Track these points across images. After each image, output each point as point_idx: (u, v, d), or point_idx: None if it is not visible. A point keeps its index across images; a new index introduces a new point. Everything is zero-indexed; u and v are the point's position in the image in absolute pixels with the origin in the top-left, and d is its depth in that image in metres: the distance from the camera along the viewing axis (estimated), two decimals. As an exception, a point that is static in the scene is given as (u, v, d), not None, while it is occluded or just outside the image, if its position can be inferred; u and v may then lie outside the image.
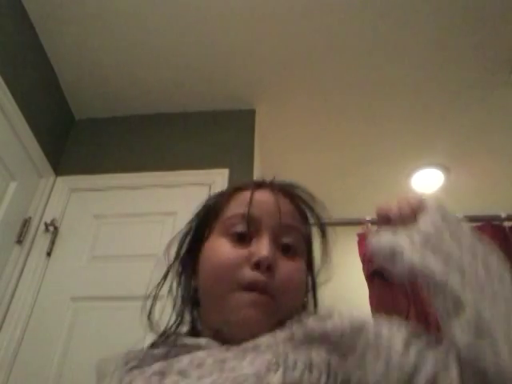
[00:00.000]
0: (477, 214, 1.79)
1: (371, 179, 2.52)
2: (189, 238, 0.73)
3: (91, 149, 2.07)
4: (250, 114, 2.13)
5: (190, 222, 0.75)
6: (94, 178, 1.93)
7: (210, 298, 0.65)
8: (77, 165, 2.00)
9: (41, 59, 1.92)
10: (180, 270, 0.74)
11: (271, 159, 2.38)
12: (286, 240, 0.66)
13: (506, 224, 1.72)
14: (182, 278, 0.73)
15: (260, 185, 0.74)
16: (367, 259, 1.69)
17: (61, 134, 2.07)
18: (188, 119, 2.13)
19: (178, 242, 0.74)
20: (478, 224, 1.74)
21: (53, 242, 1.73)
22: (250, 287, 0.61)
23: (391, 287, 1.57)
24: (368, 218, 1.80)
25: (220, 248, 0.65)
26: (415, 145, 2.33)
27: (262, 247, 0.62)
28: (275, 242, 0.65)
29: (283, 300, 0.63)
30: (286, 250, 0.66)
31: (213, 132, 2.07)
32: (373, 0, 1.75)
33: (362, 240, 1.76)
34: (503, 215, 1.73)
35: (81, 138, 2.12)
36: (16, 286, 1.62)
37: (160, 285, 0.75)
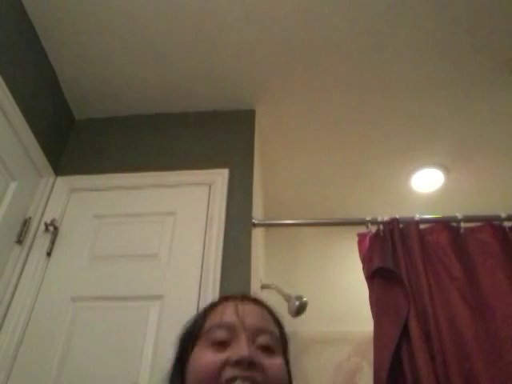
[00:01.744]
0: (477, 214, 1.79)
1: (371, 179, 2.52)
2: (175, 358, 0.78)
3: (91, 149, 2.07)
4: (250, 114, 2.13)
5: (175, 344, 0.81)
6: (93, 178, 1.93)
7: None
8: (77, 165, 2.00)
9: (41, 59, 1.92)
10: None
11: (271, 159, 2.38)
12: (262, 340, 0.72)
13: (506, 224, 1.72)
14: None
15: (232, 297, 0.81)
16: (367, 259, 1.69)
17: (61, 134, 2.07)
18: (188, 119, 2.13)
19: (169, 367, 0.79)
20: (478, 224, 1.74)
21: (53, 242, 1.73)
22: (232, 381, 0.66)
23: (391, 287, 1.57)
24: (368, 218, 1.80)
25: (202, 357, 0.71)
26: (415, 145, 2.33)
27: (241, 347, 0.69)
28: (253, 343, 0.71)
29: None
30: (265, 349, 0.72)
31: (213, 132, 2.07)
32: (373, 0, 1.76)
33: (362, 240, 1.76)
34: (503, 215, 1.73)
35: (81, 138, 2.12)
36: (16, 286, 1.62)
37: None
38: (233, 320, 0.74)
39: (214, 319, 0.76)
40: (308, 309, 2.04)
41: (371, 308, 1.59)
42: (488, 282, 1.55)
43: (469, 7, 1.75)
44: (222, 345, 0.71)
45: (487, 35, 1.83)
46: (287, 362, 0.78)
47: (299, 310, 2.01)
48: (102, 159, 2.02)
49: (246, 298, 0.82)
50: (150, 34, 1.87)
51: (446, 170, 2.44)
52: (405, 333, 1.45)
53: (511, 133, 2.23)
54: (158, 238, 1.72)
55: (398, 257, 1.64)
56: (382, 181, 2.53)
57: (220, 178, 1.86)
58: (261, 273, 2.14)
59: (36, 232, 1.75)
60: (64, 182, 1.92)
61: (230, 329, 0.73)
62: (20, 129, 1.71)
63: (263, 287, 2.06)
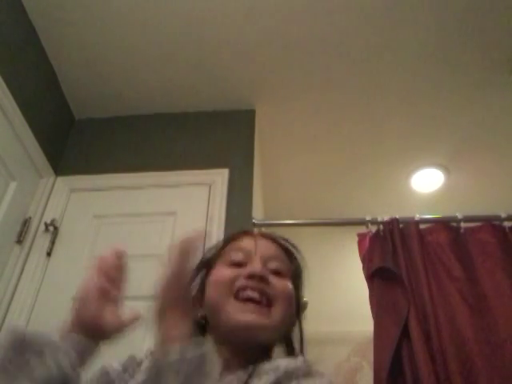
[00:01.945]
0: (477, 214, 1.79)
1: (371, 179, 2.52)
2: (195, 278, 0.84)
3: (91, 149, 2.07)
4: (250, 114, 2.13)
5: (195, 266, 0.85)
6: (93, 178, 1.93)
7: (215, 307, 0.75)
8: (77, 165, 2.00)
9: (41, 59, 1.92)
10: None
11: (271, 159, 2.38)
12: (274, 266, 0.80)
13: (506, 224, 1.72)
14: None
15: (251, 233, 0.89)
16: (367, 259, 1.69)
17: (61, 134, 2.07)
18: (188, 119, 2.13)
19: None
20: (478, 224, 1.74)
21: (53, 242, 1.73)
22: (243, 290, 0.74)
23: (391, 287, 1.57)
24: (368, 218, 1.80)
25: (220, 271, 0.79)
26: (415, 145, 2.33)
27: (255, 265, 0.77)
28: (265, 266, 0.79)
29: (280, 306, 0.75)
30: (276, 273, 0.79)
31: (213, 132, 2.07)
32: (373, 0, 1.76)
33: (362, 240, 1.76)
34: (503, 215, 1.73)
35: (81, 138, 2.12)
36: (16, 286, 1.62)
37: None
38: (250, 246, 0.81)
39: (232, 244, 0.84)
40: (308, 309, 2.04)
41: (371, 308, 1.59)
42: (488, 282, 1.55)
43: (469, 7, 1.75)
44: (237, 265, 0.79)
45: (487, 35, 1.83)
46: (297, 289, 0.84)
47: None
48: (101, 159, 2.02)
49: (264, 233, 0.89)
50: (150, 34, 1.87)
51: (446, 170, 2.44)
52: (405, 333, 1.45)
53: (511, 133, 2.23)
54: (158, 238, 1.72)
55: (398, 257, 1.64)
56: (382, 181, 2.53)
57: (220, 177, 1.86)
58: (261, 273, 2.13)
59: (36, 232, 1.75)
60: (64, 182, 1.92)
61: (246, 252, 0.80)
62: (20, 129, 1.71)
63: (263, 287, 2.06)
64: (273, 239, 0.87)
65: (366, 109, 2.15)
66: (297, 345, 0.85)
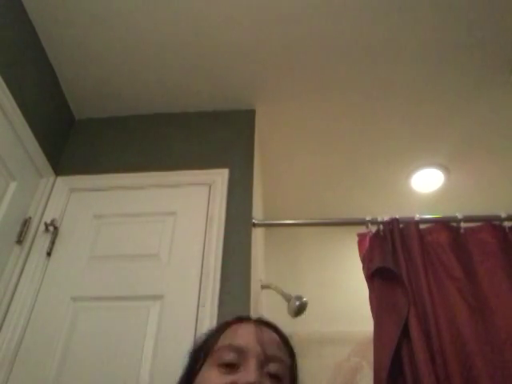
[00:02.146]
0: (477, 214, 1.79)
1: (371, 179, 2.52)
2: (184, 372, 0.78)
3: (91, 149, 2.07)
4: (250, 114, 2.13)
5: (185, 357, 0.80)
6: (93, 178, 1.93)
7: None
8: (77, 165, 2.00)
9: (41, 59, 1.92)
10: None
11: (271, 159, 2.39)
12: (272, 369, 0.71)
13: (506, 224, 1.72)
14: None
15: (245, 319, 0.80)
16: (367, 259, 1.69)
17: (61, 134, 2.07)
18: (188, 119, 2.13)
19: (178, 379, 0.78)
20: (478, 224, 1.74)
21: (53, 242, 1.73)
22: None
23: (391, 287, 1.57)
24: (368, 218, 1.80)
25: (209, 376, 0.70)
26: (415, 145, 2.33)
27: (249, 373, 0.67)
28: (262, 370, 0.69)
29: None
30: (273, 378, 0.70)
31: (213, 132, 2.07)
32: (373, 0, 1.76)
33: (362, 240, 1.76)
34: (503, 215, 1.73)
35: (81, 138, 2.12)
36: (16, 286, 1.62)
37: None
38: (244, 343, 0.73)
39: (225, 340, 0.75)
40: (308, 309, 2.04)
41: (371, 308, 1.59)
42: (488, 281, 1.55)
43: (469, 7, 1.75)
44: (230, 367, 0.70)
45: (487, 35, 1.83)
46: None
47: (299, 310, 2.01)
48: (102, 159, 2.02)
49: (261, 321, 0.80)
50: (150, 34, 1.87)
51: (446, 169, 2.44)
52: (405, 333, 1.45)
53: (511, 133, 2.23)
54: (158, 237, 1.72)
55: (397, 257, 1.64)
56: (382, 181, 2.53)
57: (220, 177, 1.86)
58: (261, 273, 2.14)
59: (36, 232, 1.75)
60: (64, 182, 1.92)
61: (240, 352, 0.71)
62: (20, 129, 1.71)
63: (263, 287, 2.06)
64: (271, 327, 0.79)
65: (366, 109, 2.15)
66: None
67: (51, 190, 1.89)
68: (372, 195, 2.60)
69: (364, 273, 1.67)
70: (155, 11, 1.80)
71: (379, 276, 1.60)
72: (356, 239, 1.79)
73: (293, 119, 2.21)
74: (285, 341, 0.79)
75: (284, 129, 2.26)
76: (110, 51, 1.93)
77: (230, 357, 0.71)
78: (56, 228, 1.76)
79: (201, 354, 0.76)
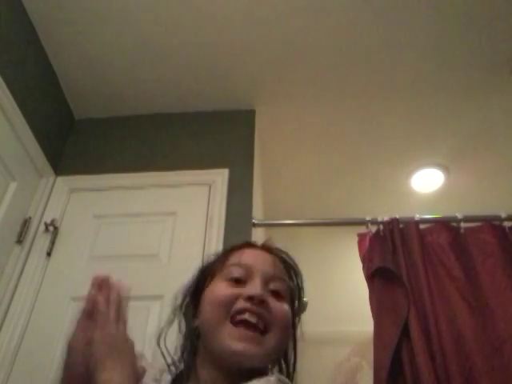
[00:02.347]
0: (477, 214, 1.79)
1: (371, 179, 2.52)
2: (192, 287, 0.85)
3: (91, 149, 2.07)
4: (250, 114, 2.13)
5: (194, 275, 0.86)
6: (93, 178, 1.93)
7: (209, 328, 0.74)
8: (77, 165, 2.00)
9: (41, 59, 1.92)
10: (184, 311, 0.84)
11: (271, 159, 2.38)
12: (274, 286, 0.78)
13: (506, 224, 1.72)
14: (186, 318, 0.83)
15: (253, 245, 0.87)
16: (367, 259, 1.69)
17: (61, 133, 2.07)
18: (188, 119, 2.13)
19: (183, 291, 0.85)
20: (478, 224, 1.74)
21: (53, 242, 1.73)
22: (241, 313, 0.72)
23: (391, 287, 1.57)
24: (368, 218, 1.80)
25: (218, 288, 0.77)
26: (415, 145, 2.33)
27: (256, 286, 0.75)
28: (266, 286, 0.77)
29: (276, 333, 0.73)
30: (275, 295, 0.77)
31: (213, 132, 2.07)
32: (373, 0, 1.76)
33: (362, 240, 1.76)
34: (503, 215, 1.73)
35: (81, 138, 2.12)
36: (16, 286, 1.62)
37: (167, 326, 0.86)
38: (251, 262, 0.79)
39: (233, 259, 0.81)
40: (308, 309, 2.04)
41: (371, 308, 1.59)
42: (488, 281, 1.55)
43: (469, 7, 1.75)
44: (237, 282, 0.77)
45: (487, 35, 1.83)
46: (293, 310, 0.83)
47: (299, 310, 2.00)
48: (101, 159, 2.02)
49: (266, 246, 0.87)
50: (150, 34, 1.87)
51: (446, 169, 2.44)
52: (405, 333, 1.45)
53: (511, 133, 2.23)
54: (157, 238, 1.72)
55: (398, 257, 1.64)
56: (382, 181, 2.53)
57: (220, 177, 1.86)
58: (261, 273, 2.13)
59: (36, 232, 1.75)
60: (64, 182, 1.92)
61: (247, 269, 0.78)
62: (20, 129, 1.71)
63: (263, 287, 2.06)
64: (275, 253, 0.85)
65: (367, 109, 2.15)
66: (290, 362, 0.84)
67: (51, 190, 1.89)
68: (372, 195, 2.60)
69: (364, 273, 1.67)
70: (155, 11, 1.80)
71: (379, 276, 1.60)
72: (356, 239, 1.79)
73: (293, 119, 2.21)
74: (288, 264, 0.86)
75: (284, 129, 2.26)
76: (110, 51, 1.93)
77: (238, 272, 0.77)
78: (56, 228, 1.76)
79: (209, 271, 0.82)
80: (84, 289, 1.76)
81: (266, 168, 2.39)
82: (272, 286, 0.78)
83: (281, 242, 2.79)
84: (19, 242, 1.68)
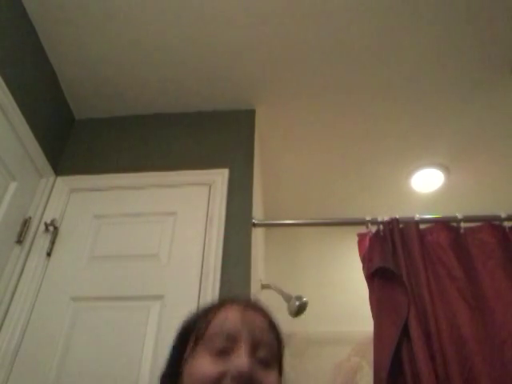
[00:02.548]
0: (477, 214, 1.79)
1: (371, 179, 2.52)
2: (171, 357, 0.78)
3: (91, 149, 2.07)
4: (250, 114, 2.13)
5: (172, 343, 0.80)
6: (93, 178, 1.93)
7: None
8: (77, 165, 2.00)
9: (41, 59, 1.92)
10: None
11: (271, 159, 2.39)
12: (262, 354, 0.72)
13: (506, 224, 1.72)
14: None
15: (234, 302, 0.80)
16: (367, 259, 1.69)
17: (61, 133, 2.07)
18: (188, 119, 2.13)
19: (164, 364, 0.79)
20: (478, 224, 1.74)
21: (53, 242, 1.73)
22: None
23: (391, 287, 1.57)
24: (368, 218, 1.80)
25: (201, 364, 0.70)
26: (415, 145, 2.33)
27: (242, 360, 0.68)
28: (253, 354, 0.70)
29: None
30: (263, 363, 0.71)
31: (213, 132, 2.07)
32: (373, 1, 1.75)
33: (362, 240, 1.76)
34: (503, 215, 1.73)
35: (81, 138, 2.12)
36: (16, 286, 1.62)
37: None
38: (234, 329, 0.73)
39: (215, 326, 0.74)
40: (308, 309, 2.05)
41: (371, 308, 1.59)
42: (488, 281, 1.55)
43: (469, 7, 1.75)
44: (221, 353, 0.70)
45: (487, 35, 1.83)
46: (281, 371, 0.78)
47: (299, 310, 2.01)
48: (102, 159, 2.02)
49: (249, 304, 0.81)
50: (150, 34, 1.87)
51: (446, 169, 2.44)
52: (405, 333, 1.45)
53: (511, 133, 2.23)
54: (158, 237, 1.72)
55: (398, 257, 1.64)
56: (382, 181, 2.53)
57: (220, 177, 1.86)
58: (261, 273, 2.14)
59: (36, 232, 1.75)
60: (64, 182, 1.92)
61: (231, 338, 0.72)
62: (20, 129, 1.71)
63: (263, 287, 2.06)
64: (258, 309, 0.79)
65: (366, 109, 2.15)
66: None
67: (51, 190, 1.89)
68: (372, 195, 2.60)
69: (364, 273, 1.67)
70: (155, 11, 1.80)
71: (379, 276, 1.60)
72: (356, 239, 1.79)
73: (293, 119, 2.21)
74: (272, 324, 0.79)
75: (284, 129, 2.26)
76: (110, 51, 1.93)
77: (221, 343, 0.71)
78: (56, 228, 1.76)
79: (189, 339, 0.76)
80: (84, 289, 1.77)
81: (266, 168, 2.39)
82: (260, 353, 0.72)
83: (281, 242, 2.81)
84: (19, 241, 1.68)
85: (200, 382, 0.68)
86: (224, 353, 0.70)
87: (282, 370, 0.78)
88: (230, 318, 0.75)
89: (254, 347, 0.72)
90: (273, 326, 0.79)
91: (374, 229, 1.77)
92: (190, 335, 0.77)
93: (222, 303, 0.80)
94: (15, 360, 1.48)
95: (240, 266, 1.64)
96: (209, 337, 0.73)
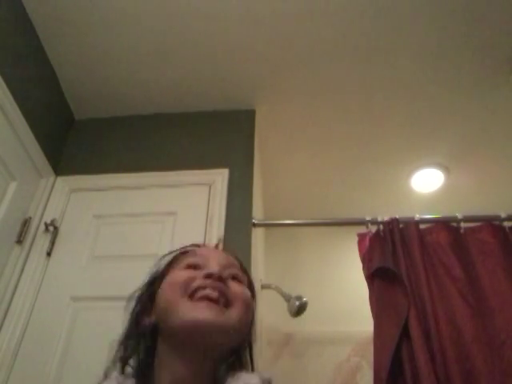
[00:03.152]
0: (477, 214, 1.79)
1: (371, 179, 2.52)
2: (147, 285, 0.84)
3: (91, 149, 2.07)
4: (250, 114, 2.12)
5: (146, 277, 0.86)
6: (93, 178, 1.93)
7: (169, 308, 0.70)
8: (77, 165, 2.00)
9: (41, 59, 1.92)
10: (137, 309, 0.81)
11: (271, 159, 2.39)
12: (231, 271, 0.77)
13: (506, 224, 1.72)
14: (137, 314, 0.80)
15: (205, 244, 0.90)
16: (367, 259, 1.69)
17: (61, 133, 2.07)
18: (188, 119, 2.13)
19: (139, 290, 0.85)
20: (478, 224, 1.74)
21: (53, 242, 1.73)
22: (201, 289, 0.70)
23: (391, 287, 1.57)
24: (368, 218, 1.80)
25: (175, 273, 0.75)
26: (415, 145, 2.33)
27: (213, 267, 0.74)
28: (223, 271, 0.74)
29: (238, 309, 0.71)
30: (233, 279, 0.76)
31: (213, 132, 2.07)
32: (373, 1, 1.75)
33: (362, 240, 1.76)
34: (503, 215, 1.73)
35: (81, 138, 2.12)
36: (16, 286, 1.62)
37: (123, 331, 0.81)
38: (206, 253, 0.79)
39: (188, 251, 0.81)
40: (308, 309, 2.05)
41: (371, 308, 1.59)
42: (488, 281, 1.55)
43: (469, 7, 1.75)
44: (194, 267, 0.75)
45: (487, 35, 1.83)
46: (253, 295, 0.82)
47: (299, 309, 2.01)
48: (101, 159, 2.02)
49: (218, 246, 0.89)
50: (150, 34, 1.87)
51: (446, 169, 2.44)
52: (405, 333, 1.45)
53: (511, 133, 2.23)
54: (158, 238, 1.72)
55: (398, 257, 1.64)
56: (382, 181, 2.53)
57: (220, 177, 1.86)
58: (261, 273, 2.14)
59: (36, 232, 1.75)
60: (64, 182, 1.92)
61: (203, 258, 0.77)
62: (20, 129, 1.71)
63: (263, 287, 2.06)
64: (227, 252, 0.84)
65: (366, 109, 2.15)
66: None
67: (51, 190, 1.89)
68: (372, 195, 2.60)
69: (364, 273, 1.68)
70: (155, 11, 1.80)
71: (379, 276, 1.60)
72: (356, 239, 1.79)
73: (293, 119, 2.21)
74: (240, 262, 0.85)
75: (284, 129, 2.26)
76: (110, 51, 1.93)
77: (194, 260, 0.76)
78: (56, 228, 1.76)
79: (163, 271, 0.80)
80: (84, 289, 1.76)
81: (266, 168, 2.39)
82: (229, 271, 0.76)
83: (281, 242, 2.81)
84: (19, 242, 1.68)
85: (174, 283, 0.72)
86: (195, 267, 0.75)
87: (255, 296, 0.82)
88: (202, 249, 0.83)
89: (224, 267, 0.76)
90: (241, 264, 0.84)
91: (373, 229, 1.77)
92: (162, 271, 0.81)
93: (191, 244, 0.86)
94: (15, 360, 1.48)
95: (240, 266, 1.64)
96: (181, 259, 0.79)
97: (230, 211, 1.78)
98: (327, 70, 2.00)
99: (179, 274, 0.74)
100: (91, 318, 1.55)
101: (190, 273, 0.73)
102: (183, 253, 0.82)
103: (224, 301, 0.70)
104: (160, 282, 0.78)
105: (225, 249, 0.88)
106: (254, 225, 1.80)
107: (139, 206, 1.82)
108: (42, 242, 1.73)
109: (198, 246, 0.85)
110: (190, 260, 0.77)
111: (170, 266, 0.80)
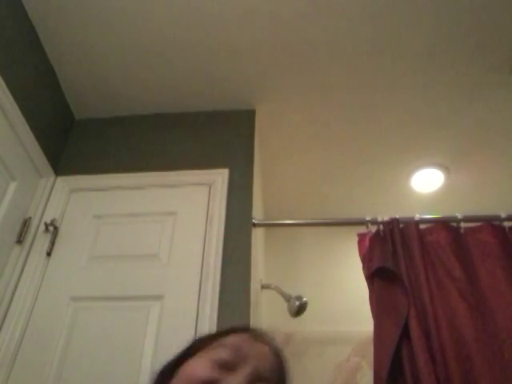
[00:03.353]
0: (477, 214, 1.79)
1: (371, 179, 2.52)
2: (171, 360, 0.73)
3: (91, 149, 2.07)
4: (250, 114, 2.13)
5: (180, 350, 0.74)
6: (93, 178, 1.93)
7: None
8: (77, 165, 2.00)
9: (41, 59, 1.92)
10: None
11: (271, 159, 2.39)
12: None
13: (506, 224, 1.72)
14: None
15: (254, 332, 0.74)
16: (367, 259, 1.69)
17: (61, 133, 2.07)
18: (188, 119, 2.13)
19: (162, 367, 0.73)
20: (478, 224, 1.74)
21: (53, 242, 1.73)
22: None
23: (391, 287, 1.57)
24: (368, 218, 1.80)
25: (197, 364, 0.64)
26: (415, 145, 2.33)
27: (238, 381, 0.61)
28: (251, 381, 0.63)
29: None
30: None
31: (213, 132, 2.07)
32: (372, 1, 1.76)
33: (362, 240, 1.76)
34: (503, 215, 1.73)
35: (81, 138, 2.12)
36: (16, 286, 1.62)
37: None
38: (243, 350, 0.67)
39: (223, 340, 0.69)
40: (308, 309, 2.05)
41: (371, 308, 1.59)
42: (488, 281, 1.56)
43: (469, 7, 1.75)
44: (221, 365, 0.64)
45: (487, 35, 1.83)
46: None
47: (299, 309, 2.01)
48: (101, 159, 2.02)
49: (258, 335, 0.75)
50: (150, 34, 1.87)
51: (446, 169, 2.44)
52: (405, 333, 1.45)
53: (511, 133, 2.23)
54: (158, 237, 1.72)
55: (398, 257, 1.64)
56: (382, 181, 2.53)
57: (220, 177, 1.86)
58: (261, 273, 2.14)
59: (36, 232, 1.75)
60: (64, 182, 1.92)
61: (238, 356, 0.65)
62: (20, 129, 1.71)
63: (263, 287, 2.06)
64: (267, 344, 0.72)
65: (366, 109, 2.15)
66: None
67: (51, 190, 1.89)
68: (372, 195, 2.60)
69: (364, 273, 1.68)
70: (155, 11, 1.80)
71: (379, 276, 1.60)
72: (356, 239, 1.79)
73: (293, 119, 2.21)
74: (279, 360, 0.73)
75: (284, 129, 2.26)
76: (110, 51, 1.93)
77: (225, 355, 0.64)
78: (56, 228, 1.76)
79: (196, 348, 0.70)
80: (84, 289, 1.77)
81: (266, 168, 2.39)
82: None
83: (281, 242, 2.81)
84: (19, 242, 1.68)
85: (188, 378, 0.63)
86: (223, 366, 0.64)
87: None
88: (240, 340, 0.69)
89: (255, 379, 0.64)
90: (279, 362, 0.72)
91: (373, 229, 1.77)
92: (196, 347, 0.71)
93: (231, 330, 0.74)
94: (15, 360, 1.48)
95: (240, 266, 1.64)
96: (214, 347, 0.68)
97: (230, 211, 1.78)
98: (327, 70, 2.00)
99: (200, 368, 0.63)
100: (91, 318, 1.55)
101: (212, 373, 0.62)
102: (224, 334, 0.71)
103: None
104: (185, 359, 0.68)
105: (262, 337, 0.74)
106: (254, 225, 1.80)
107: (139, 206, 1.82)
108: (42, 242, 1.73)
109: (247, 330, 0.74)
110: (221, 354, 0.65)
111: (200, 348, 0.69)
